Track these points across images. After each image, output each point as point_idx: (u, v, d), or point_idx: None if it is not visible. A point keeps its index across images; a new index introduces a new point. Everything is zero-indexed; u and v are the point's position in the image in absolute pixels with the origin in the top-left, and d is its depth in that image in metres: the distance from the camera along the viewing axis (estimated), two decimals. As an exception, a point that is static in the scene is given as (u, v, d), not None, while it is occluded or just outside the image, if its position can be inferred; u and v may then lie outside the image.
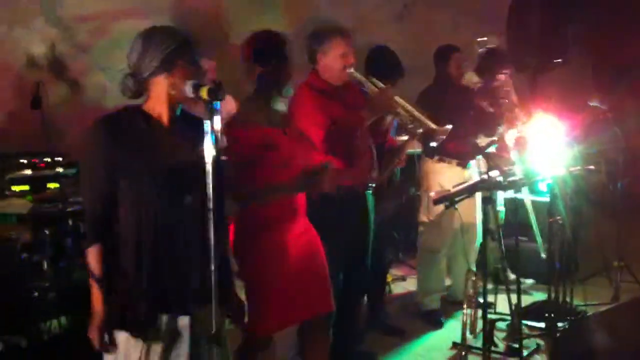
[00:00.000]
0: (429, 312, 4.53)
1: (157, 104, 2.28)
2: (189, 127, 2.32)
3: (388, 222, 4.94)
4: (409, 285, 5.14)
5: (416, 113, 3.53)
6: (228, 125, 2.76)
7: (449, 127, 3.62)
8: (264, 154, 2.72)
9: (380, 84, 3.49)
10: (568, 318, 4.15)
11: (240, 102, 3.01)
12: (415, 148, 4.96)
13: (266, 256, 2.78)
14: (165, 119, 2.29)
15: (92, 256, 2.22)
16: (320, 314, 2.93)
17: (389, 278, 5.14)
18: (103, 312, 2.21)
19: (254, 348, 2.87)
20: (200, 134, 2.13)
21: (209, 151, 2.16)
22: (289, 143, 2.84)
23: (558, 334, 3.84)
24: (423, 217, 4.57)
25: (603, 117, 5.07)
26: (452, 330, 4.30)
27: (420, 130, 3.57)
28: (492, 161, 3.83)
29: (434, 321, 4.46)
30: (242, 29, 5.72)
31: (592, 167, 4.35)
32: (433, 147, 4.21)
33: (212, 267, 2.17)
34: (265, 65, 2.80)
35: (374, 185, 3.53)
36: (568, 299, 4.33)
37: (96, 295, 2.22)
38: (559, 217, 3.66)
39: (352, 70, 3.35)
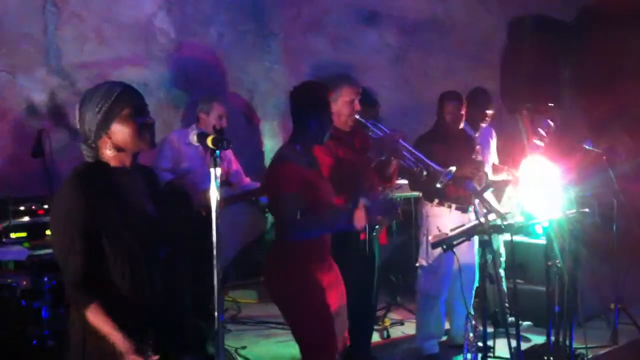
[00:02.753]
0: (428, 357, 4.51)
1: (112, 160, 2.26)
2: (143, 176, 2.37)
3: (384, 265, 4.97)
4: (407, 329, 5.11)
5: (421, 155, 3.62)
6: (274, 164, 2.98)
7: (453, 168, 3.69)
8: (308, 192, 2.89)
9: (385, 129, 3.58)
10: (567, 361, 4.13)
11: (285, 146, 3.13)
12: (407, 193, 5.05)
13: (316, 293, 2.92)
14: (125, 166, 2.29)
15: (96, 313, 2.14)
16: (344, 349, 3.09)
17: (387, 322, 5.13)
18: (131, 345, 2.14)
19: None
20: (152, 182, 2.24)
21: (214, 198, 2.21)
22: (326, 184, 3.05)
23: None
24: (422, 261, 4.59)
25: (597, 160, 5.14)
26: (451, 374, 4.29)
27: (425, 173, 3.65)
28: (489, 205, 3.88)
29: (434, 366, 4.45)
30: (241, 75, 5.89)
31: (587, 209, 4.39)
32: (433, 190, 4.27)
33: (216, 313, 2.21)
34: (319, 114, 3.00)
35: (379, 227, 3.57)
36: (567, 342, 4.33)
37: (119, 340, 2.13)
38: (557, 261, 3.68)
39: (358, 116, 3.47)
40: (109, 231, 2.18)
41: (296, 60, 6.17)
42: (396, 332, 5.13)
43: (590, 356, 4.30)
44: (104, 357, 2.15)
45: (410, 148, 3.57)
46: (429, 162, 3.58)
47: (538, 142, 4.56)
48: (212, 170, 2.22)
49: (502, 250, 5.07)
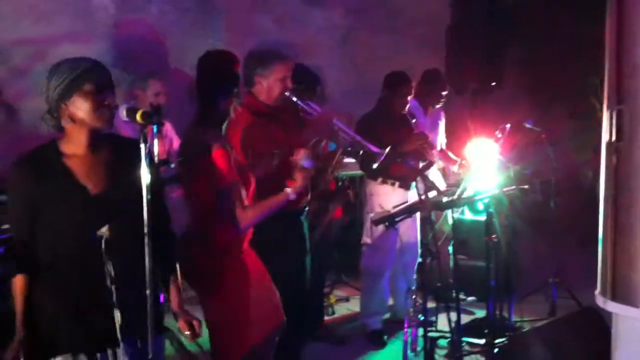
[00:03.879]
0: (372, 332, 4.57)
1: (72, 136, 2.30)
2: (117, 150, 2.36)
3: (329, 244, 4.99)
4: (353, 305, 5.16)
5: (356, 136, 3.60)
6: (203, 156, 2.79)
7: (387, 150, 3.69)
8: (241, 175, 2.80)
9: (317, 108, 3.54)
10: (506, 334, 4.24)
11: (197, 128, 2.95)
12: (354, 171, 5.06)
13: (232, 278, 2.82)
14: (81, 150, 2.31)
15: (16, 286, 2.29)
16: (275, 329, 2.99)
17: (332, 299, 5.17)
18: (21, 336, 2.26)
19: None
20: (136, 156, 2.17)
21: (144, 176, 2.17)
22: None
23: (496, 350, 3.93)
24: (366, 239, 4.63)
25: (537, 139, 5.25)
26: (395, 349, 4.34)
27: (361, 152, 3.65)
28: (430, 182, 3.93)
29: (378, 341, 4.51)
30: (184, 52, 5.78)
31: (526, 186, 4.49)
32: (375, 169, 4.28)
33: (148, 293, 2.18)
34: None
35: (307, 208, 3.55)
36: (506, 316, 4.44)
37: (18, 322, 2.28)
38: (494, 236, 3.76)
39: (289, 94, 3.40)
40: (42, 215, 2.26)
41: (240, 39, 6.08)
42: (341, 309, 5.19)
43: (528, 328, 4.42)
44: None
45: (344, 128, 3.54)
46: (364, 142, 3.57)
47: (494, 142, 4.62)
48: (141, 146, 2.17)
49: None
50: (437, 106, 5.09)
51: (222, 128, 2.89)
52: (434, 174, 5.02)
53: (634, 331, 2.59)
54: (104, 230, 2.26)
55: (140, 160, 2.13)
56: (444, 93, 5.06)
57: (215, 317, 2.86)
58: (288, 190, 2.84)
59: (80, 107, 2.24)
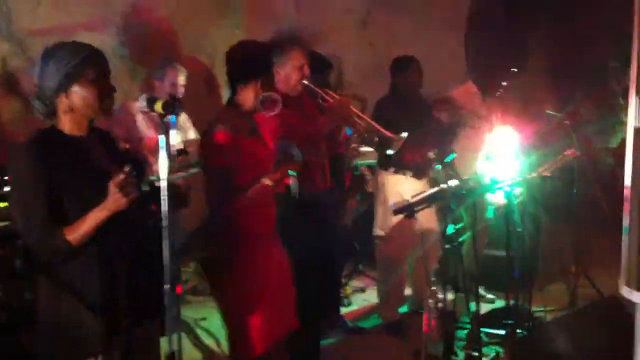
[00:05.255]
0: (390, 324, 4.53)
1: (67, 122, 2.25)
2: (103, 140, 2.35)
3: (348, 233, 4.95)
4: (369, 296, 5.13)
5: (372, 122, 3.57)
6: (205, 134, 2.81)
7: (405, 134, 3.65)
8: (244, 160, 2.74)
9: (335, 95, 3.51)
10: (526, 324, 4.19)
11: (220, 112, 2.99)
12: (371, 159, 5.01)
13: (248, 274, 2.77)
14: (78, 134, 2.27)
15: (70, 231, 2.15)
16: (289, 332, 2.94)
17: (349, 290, 5.15)
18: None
19: None
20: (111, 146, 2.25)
21: (163, 167, 2.15)
22: (265, 151, 2.88)
23: (517, 341, 3.88)
24: (378, 231, 4.57)
25: (560, 125, 5.16)
26: (413, 340, 4.31)
27: (376, 139, 3.61)
28: (451, 170, 3.87)
29: (396, 332, 4.47)
30: (202, 38, 5.76)
31: (548, 174, 4.41)
32: (388, 159, 4.24)
33: (168, 286, 2.17)
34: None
35: (328, 192, 3.53)
36: (527, 306, 4.39)
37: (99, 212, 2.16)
38: (518, 227, 3.70)
39: (307, 81, 3.38)
40: (68, 193, 2.18)
41: (258, 24, 6.04)
42: (357, 300, 5.16)
43: (548, 318, 4.37)
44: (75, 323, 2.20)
45: (360, 114, 3.52)
46: (380, 128, 3.54)
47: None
48: (161, 137, 2.16)
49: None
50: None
51: (251, 114, 2.88)
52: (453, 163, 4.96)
53: (657, 321, 2.54)
54: None
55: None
56: (504, 83, 4.95)
57: (230, 312, 2.83)
58: (264, 179, 2.74)
59: (82, 96, 2.20)
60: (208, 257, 2.88)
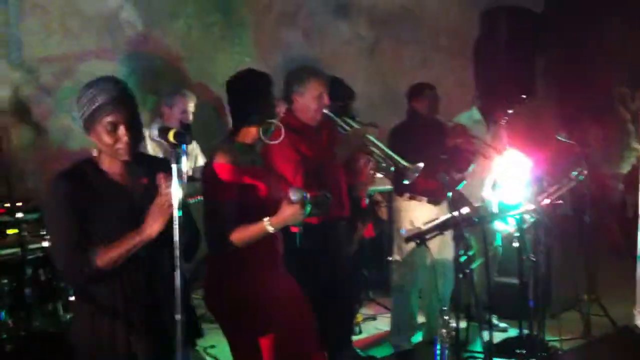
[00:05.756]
0: (402, 353, 4.48)
1: (101, 155, 2.33)
2: (148, 169, 2.34)
3: (358, 260, 4.91)
4: (380, 324, 5.07)
5: (388, 151, 3.55)
6: (207, 166, 2.75)
7: (421, 165, 3.63)
8: (246, 193, 2.67)
9: (353, 124, 3.51)
10: (539, 354, 4.12)
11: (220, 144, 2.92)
12: (387, 185, 4.98)
13: (253, 297, 2.69)
14: (113, 168, 2.33)
15: (102, 254, 2.21)
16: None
17: (359, 318, 5.09)
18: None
19: None
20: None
21: (175, 195, 2.13)
22: (271, 182, 2.79)
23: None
24: (395, 256, 4.55)
25: (570, 151, 5.13)
26: (426, 369, 4.25)
27: (393, 169, 3.59)
28: (462, 197, 3.84)
29: (408, 361, 4.42)
30: (213, 67, 5.79)
31: (560, 201, 4.38)
32: (404, 184, 4.21)
33: (179, 316, 2.14)
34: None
35: (344, 222, 3.51)
36: (540, 334, 4.32)
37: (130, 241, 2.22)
38: (532, 255, 3.65)
39: (326, 110, 3.38)
40: (94, 226, 2.25)
41: (267, 53, 6.08)
42: (369, 328, 5.09)
43: (563, 348, 4.31)
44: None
45: (377, 143, 3.50)
46: (397, 157, 3.52)
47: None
48: (174, 166, 2.14)
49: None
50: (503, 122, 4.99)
51: (253, 145, 2.82)
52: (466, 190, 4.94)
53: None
54: None
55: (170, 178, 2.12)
56: (510, 111, 4.95)
57: (235, 343, 2.77)
58: (265, 221, 2.60)
59: (100, 139, 2.26)
60: (208, 288, 2.83)
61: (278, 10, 6.29)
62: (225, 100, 2.91)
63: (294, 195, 2.57)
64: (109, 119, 2.23)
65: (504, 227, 4.80)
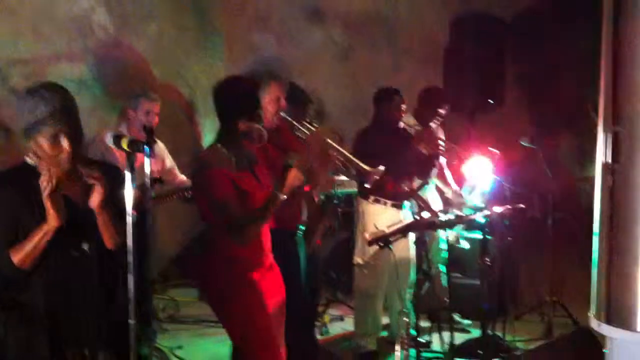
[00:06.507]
0: (365, 354, 4.54)
1: (40, 162, 2.29)
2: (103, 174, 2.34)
3: (325, 262, 4.97)
4: (347, 325, 5.14)
5: (348, 155, 3.62)
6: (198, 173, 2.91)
7: (382, 168, 3.70)
8: (238, 195, 2.82)
9: (312, 127, 3.56)
10: (501, 355, 4.21)
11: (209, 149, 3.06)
12: (353, 188, 5.05)
13: (248, 296, 2.88)
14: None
15: (15, 251, 2.23)
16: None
17: (327, 318, 5.15)
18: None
19: None
20: (114, 180, 2.25)
21: (128, 202, 2.18)
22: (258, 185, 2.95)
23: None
24: (357, 259, 4.60)
25: (533, 156, 5.23)
26: (388, 369, 4.32)
27: (353, 172, 3.66)
28: (424, 202, 3.92)
29: (370, 361, 4.48)
30: (184, 70, 5.83)
31: (522, 205, 4.47)
32: (368, 188, 4.28)
33: (132, 321, 2.19)
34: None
35: (303, 227, 3.56)
36: (501, 335, 4.42)
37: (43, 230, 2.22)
38: (487, 259, 3.74)
39: (284, 114, 3.43)
40: (23, 230, 2.25)
41: (240, 57, 6.13)
42: (336, 329, 5.16)
43: (523, 349, 4.40)
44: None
45: (337, 147, 3.57)
46: (357, 161, 3.59)
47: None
48: (127, 173, 2.18)
49: (444, 246, 5.13)
50: (433, 125, 5.07)
51: (239, 149, 2.94)
52: (430, 194, 5.02)
53: (628, 354, 2.57)
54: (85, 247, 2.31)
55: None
56: (440, 111, 5.04)
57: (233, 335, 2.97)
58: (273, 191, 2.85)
59: (40, 149, 2.25)
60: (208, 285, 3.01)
61: (251, 15, 6.34)
62: (199, 103, 3.01)
63: (291, 160, 2.85)
64: (51, 130, 2.21)
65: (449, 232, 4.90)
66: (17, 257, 2.23)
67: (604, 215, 2.56)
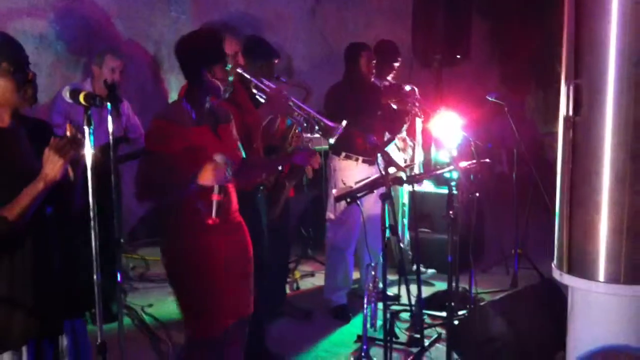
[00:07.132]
0: (336, 308, 4.60)
1: None
2: (33, 131, 2.29)
3: (296, 219, 5.00)
4: (318, 280, 5.20)
5: (311, 111, 3.60)
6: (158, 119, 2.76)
7: (344, 123, 3.70)
8: (187, 153, 2.68)
9: (271, 84, 3.52)
10: (467, 306, 4.30)
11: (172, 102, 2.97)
12: (323, 145, 5.05)
13: (202, 256, 2.74)
14: (3, 125, 2.23)
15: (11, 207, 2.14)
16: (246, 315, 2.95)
17: (297, 274, 5.21)
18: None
19: (200, 351, 2.83)
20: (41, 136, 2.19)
21: (89, 158, 2.16)
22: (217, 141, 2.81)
23: (457, 322, 3.98)
24: (330, 215, 4.65)
25: (500, 111, 5.27)
26: (359, 324, 4.37)
27: (317, 128, 3.65)
28: (390, 158, 3.93)
29: (342, 316, 4.54)
30: (148, 25, 5.71)
31: (487, 160, 4.51)
32: (339, 144, 4.29)
33: (96, 277, 2.18)
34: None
35: (263, 186, 3.56)
36: (467, 288, 4.50)
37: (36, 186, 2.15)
38: (451, 212, 3.78)
39: (240, 70, 3.37)
40: None
41: (205, 11, 6.01)
42: (306, 284, 5.23)
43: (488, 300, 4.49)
44: None
45: (299, 103, 3.55)
46: (320, 117, 3.58)
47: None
48: (85, 128, 2.15)
49: (406, 201, 5.19)
50: (389, 78, 5.09)
51: (203, 104, 2.81)
52: (393, 151, 5.05)
53: (588, 303, 2.64)
54: None
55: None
56: (395, 65, 5.07)
57: (184, 297, 2.83)
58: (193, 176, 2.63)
59: (1, 88, 2.17)
60: (164, 245, 2.86)
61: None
62: (165, 59, 2.92)
63: (216, 157, 2.63)
64: (9, 60, 2.16)
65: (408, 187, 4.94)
66: (12, 213, 2.13)
67: (565, 166, 2.61)
